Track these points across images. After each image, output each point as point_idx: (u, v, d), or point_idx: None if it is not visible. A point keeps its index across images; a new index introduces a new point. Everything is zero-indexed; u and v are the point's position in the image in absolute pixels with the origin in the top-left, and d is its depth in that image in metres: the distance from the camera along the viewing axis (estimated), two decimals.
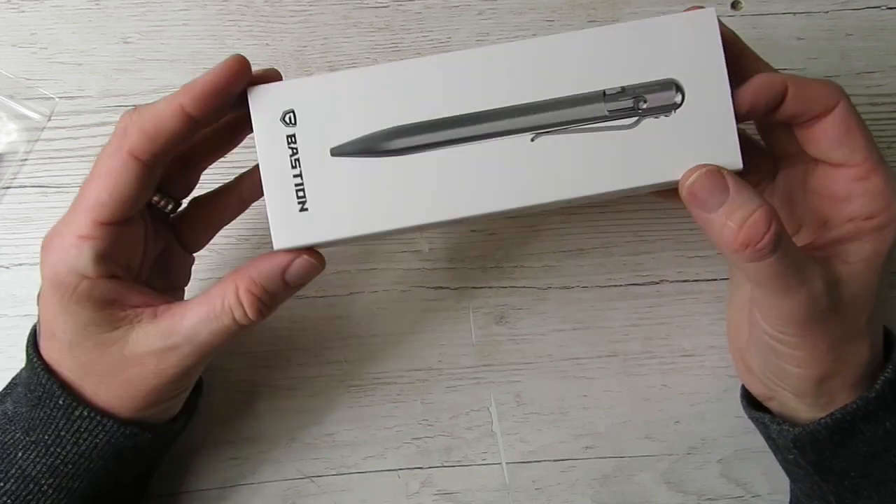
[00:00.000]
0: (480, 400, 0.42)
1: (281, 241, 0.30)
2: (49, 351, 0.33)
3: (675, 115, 0.30)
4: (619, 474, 0.41)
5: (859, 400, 0.33)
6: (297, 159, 0.30)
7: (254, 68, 0.43)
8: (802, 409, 0.35)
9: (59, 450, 0.32)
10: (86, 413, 0.32)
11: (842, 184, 0.32)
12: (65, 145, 0.43)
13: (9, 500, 0.32)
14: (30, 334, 0.35)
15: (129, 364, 0.32)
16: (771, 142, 0.36)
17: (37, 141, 0.43)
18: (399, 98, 0.30)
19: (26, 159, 0.43)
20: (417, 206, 0.30)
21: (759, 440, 0.41)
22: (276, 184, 0.30)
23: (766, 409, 0.37)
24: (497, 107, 0.30)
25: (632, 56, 0.30)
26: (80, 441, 0.32)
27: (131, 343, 0.32)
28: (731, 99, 0.30)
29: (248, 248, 0.42)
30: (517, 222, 0.43)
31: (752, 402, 0.38)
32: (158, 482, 0.41)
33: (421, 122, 0.30)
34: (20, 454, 0.32)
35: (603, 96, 0.30)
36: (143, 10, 0.44)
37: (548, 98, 0.30)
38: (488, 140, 0.30)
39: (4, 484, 0.32)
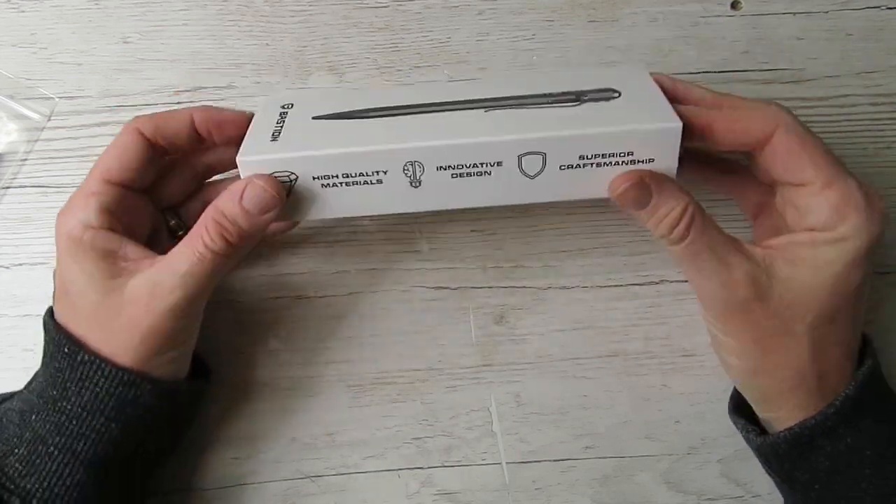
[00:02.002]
0: (480, 400, 0.42)
1: (245, 155, 0.33)
2: (61, 309, 0.35)
3: (614, 101, 0.34)
4: (619, 474, 0.41)
5: (818, 415, 0.34)
6: (283, 121, 0.36)
7: (254, 68, 0.43)
8: (764, 415, 0.36)
9: (64, 404, 0.34)
10: (87, 358, 0.33)
11: (803, 198, 0.34)
12: (65, 145, 0.43)
13: (20, 466, 0.33)
14: (48, 308, 0.37)
15: (125, 305, 0.34)
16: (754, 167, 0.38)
17: (37, 141, 0.43)
18: (381, 98, 0.36)
19: (26, 159, 0.43)
20: (376, 139, 0.33)
21: None
22: (258, 128, 0.35)
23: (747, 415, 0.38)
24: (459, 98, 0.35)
25: (576, 81, 0.36)
26: (83, 391, 0.34)
27: (128, 288, 0.34)
28: (663, 94, 0.34)
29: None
30: (517, 222, 0.43)
31: (737, 406, 0.39)
32: (159, 481, 0.41)
33: (394, 105, 0.35)
34: (34, 416, 0.34)
35: (549, 96, 0.35)
36: (143, 10, 0.44)
37: (500, 95, 0.35)
38: (447, 112, 0.35)
39: (19, 449, 0.34)
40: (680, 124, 0.32)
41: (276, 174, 0.34)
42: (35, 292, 0.42)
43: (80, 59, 0.44)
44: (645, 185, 0.33)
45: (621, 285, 0.43)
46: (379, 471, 0.41)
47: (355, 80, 0.44)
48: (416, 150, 0.33)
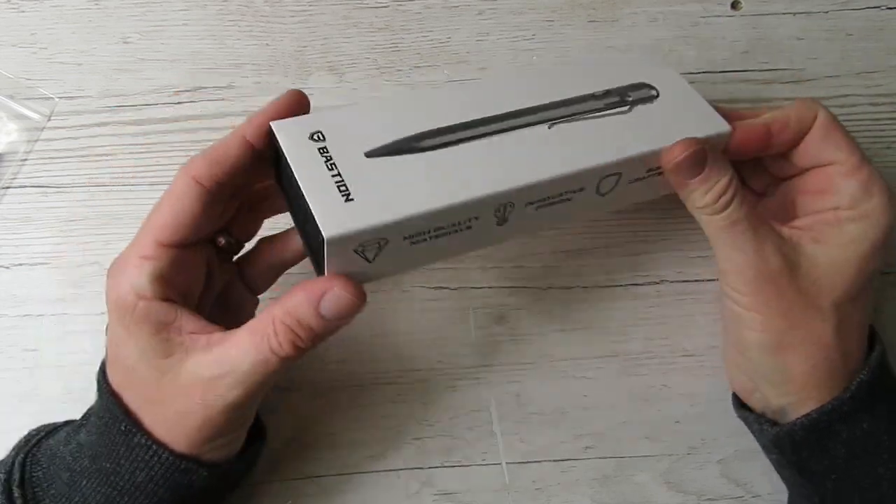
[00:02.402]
0: (480, 400, 0.42)
1: (330, 229, 0.29)
2: (113, 376, 0.33)
3: (658, 102, 0.35)
4: (619, 474, 0.41)
5: (834, 401, 0.34)
6: (333, 163, 0.30)
7: (254, 68, 0.43)
8: (777, 401, 0.36)
9: (117, 479, 0.32)
10: (143, 441, 0.32)
11: (830, 179, 0.35)
12: (65, 145, 0.43)
13: None
14: (102, 362, 0.34)
15: (180, 394, 0.31)
16: (752, 178, 0.40)
17: (37, 141, 0.43)
18: (415, 115, 0.32)
19: (26, 159, 0.43)
20: (455, 187, 0.31)
21: None
22: (316, 185, 0.30)
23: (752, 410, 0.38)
24: (511, 110, 0.33)
25: (606, 76, 0.36)
26: (137, 471, 0.32)
27: (184, 372, 0.31)
28: (695, 91, 0.36)
29: None
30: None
31: (741, 401, 0.39)
32: None
33: (445, 126, 0.32)
34: (84, 482, 0.32)
35: (594, 96, 0.35)
36: (143, 10, 0.44)
37: (552, 100, 0.34)
38: (509, 133, 0.33)
39: None
40: (729, 128, 0.35)
41: (365, 245, 0.30)
42: (35, 292, 0.42)
43: (80, 59, 0.44)
44: (702, 154, 0.34)
45: (621, 285, 0.43)
46: (379, 471, 0.41)
47: (355, 80, 0.44)
48: (511, 193, 0.31)
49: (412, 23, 0.44)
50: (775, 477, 0.41)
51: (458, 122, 0.32)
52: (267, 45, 0.44)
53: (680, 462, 0.41)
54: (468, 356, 0.42)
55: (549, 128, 0.33)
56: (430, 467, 0.41)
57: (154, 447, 0.32)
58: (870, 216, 0.34)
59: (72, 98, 0.44)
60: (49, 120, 0.44)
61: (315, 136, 0.31)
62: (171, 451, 0.32)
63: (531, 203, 0.33)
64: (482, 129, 0.32)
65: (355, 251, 0.30)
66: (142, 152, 0.43)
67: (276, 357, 0.30)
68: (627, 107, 0.35)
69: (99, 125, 0.44)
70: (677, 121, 0.34)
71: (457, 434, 0.42)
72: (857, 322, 0.35)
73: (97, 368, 0.34)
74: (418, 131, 0.32)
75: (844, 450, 0.34)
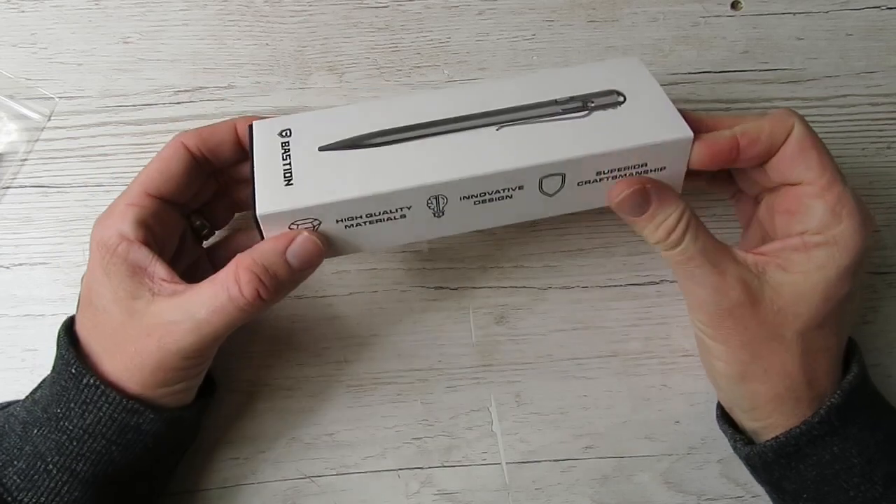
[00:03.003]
0: (480, 400, 0.42)
1: (265, 207, 0.32)
2: (83, 320, 0.35)
3: (622, 108, 0.34)
4: (619, 474, 0.41)
5: (803, 425, 0.34)
6: (288, 153, 0.34)
7: (254, 68, 0.43)
8: (749, 425, 0.36)
9: (66, 423, 0.33)
10: (92, 381, 0.33)
11: (798, 200, 0.34)
12: (65, 145, 0.43)
13: (18, 479, 0.33)
14: (65, 321, 0.36)
15: (140, 335, 0.33)
16: (742, 180, 0.38)
17: (37, 141, 0.43)
18: (380, 117, 0.34)
19: (26, 159, 0.43)
20: (392, 177, 0.33)
21: None
22: (265, 169, 0.33)
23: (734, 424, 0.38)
24: (466, 113, 0.34)
25: (577, 82, 0.35)
26: (86, 413, 0.33)
27: (148, 315, 0.33)
28: (667, 97, 0.34)
29: None
30: (517, 223, 0.43)
31: (725, 414, 0.39)
32: None
33: (399, 126, 0.34)
34: (35, 430, 0.34)
35: (556, 102, 0.34)
36: (143, 10, 0.44)
37: (508, 105, 0.34)
38: (458, 133, 0.34)
39: (18, 462, 0.33)
40: (691, 134, 0.33)
41: (299, 222, 0.33)
42: (35, 292, 0.42)
43: (80, 59, 0.44)
44: (645, 192, 0.33)
45: (621, 285, 0.43)
46: (379, 471, 0.41)
47: (355, 80, 0.44)
48: (440, 186, 0.33)
49: (412, 23, 0.44)
50: None
51: (414, 123, 0.34)
52: (267, 45, 0.44)
53: (680, 462, 0.41)
54: (468, 356, 0.42)
55: (497, 129, 0.33)
56: (430, 467, 0.41)
57: (102, 387, 0.33)
58: (838, 242, 0.33)
59: (72, 98, 0.44)
60: (49, 120, 0.44)
61: (283, 133, 0.35)
62: (121, 391, 0.33)
63: (466, 197, 0.33)
64: (432, 130, 0.34)
65: (290, 228, 0.33)
66: (142, 152, 0.43)
67: (232, 305, 0.32)
68: (586, 112, 0.34)
69: (99, 125, 0.44)
70: (634, 125, 0.33)
71: (457, 434, 0.42)
72: (824, 347, 0.34)
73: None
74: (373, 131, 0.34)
75: (815, 472, 0.34)
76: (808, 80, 0.44)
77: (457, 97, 0.35)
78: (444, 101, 0.35)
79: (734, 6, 0.45)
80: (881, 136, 0.44)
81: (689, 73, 0.44)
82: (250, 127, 0.35)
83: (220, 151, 0.36)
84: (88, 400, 0.33)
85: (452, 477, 0.41)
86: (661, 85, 0.44)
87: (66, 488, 0.33)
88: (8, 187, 0.43)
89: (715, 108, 0.44)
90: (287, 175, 0.33)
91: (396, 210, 0.33)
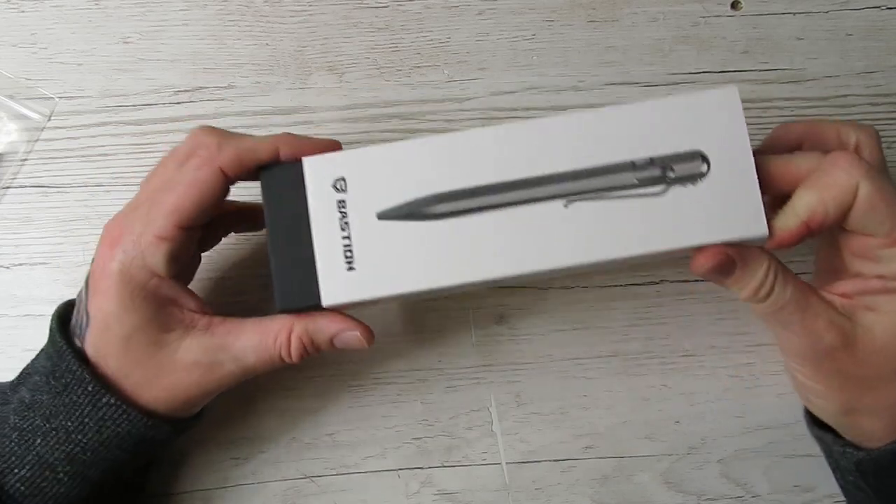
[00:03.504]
0: (480, 400, 0.42)
1: (329, 298, 0.32)
2: (97, 341, 0.33)
3: (702, 183, 0.31)
4: (619, 474, 0.41)
5: None
6: (346, 222, 0.32)
7: (254, 68, 0.43)
8: (856, 440, 0.35)
9: (79, 437, 0.33)
10: (113, 401, 0.33)
11: (872, 249, 0.33)
12: (65, 145, 0.43)
13: (23, 487, 0.33)
14: (56, 322, 0.35)
15: (176, 369, 0.33)
16: None
17: (37, 141, 0.43)
18: (442, 167, 0.32)
19: (26, 159, 0.43)
20: (456, 268, 0.32)
21: (758, 440, 0.41)
22: (326, 245, 0.32)
23: (829, 428, 0.37)
24: (532, 175, 0.32)
25: (660, 130, 0.31)
26: (103, 429, 0.33)
27: (182, 349, 0.33)
28: (755, 169, 0.31)
29: (249, 248, 0.42)
30: None
31: (815, 419, 0.38)
32: (158, 482, 0.41)
33: (461, 189, 0.32)
34: (39, 440, 0.33)
35: (633, 166, 0.31)
36: (143, 10, 0.44)
37: (580, 167, 0.31)
38: (524, 206, 0.31)
39: (20, 470, 0.33)
40: (766, 232, 0.31)
41: (354, 306, 0.34)
42: (35, 292, 0.42)
43: (80, 59, 0.44)
44: (728, 260, 0.32)
45: (621, 285, 0.43)
46: (379, 471, 0.41)
47: (355, 80, 0.44)
48: (505, 279, 0.32)
49: (412, 23, 0.44)
50: (775, 477, 0.41)
51: (472, 184, 0.32)
52: (267, 45, 0.44)
53: (680, 462, 0.41)
54: (468, 356, 0.42)
55: (566, 206, 0.31)
56: (430, 467, 0.41)
57: (123, 406, 0.33)
58: None
59: (72, 98, 0.44)
60: (49, 120, 0.44)
61: (338, 185, 0.32)
62: (141, 410, 0.33)
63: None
64: (495, 199, 0.32)
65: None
66: (141, 152, 0.43)
67: (278, 360, 0.34)
68: (664, 186, 0.31)
69: (99, 125, 0.44)
70: (712, 211, 0.31)
71: (457, 434, 0.42)
72: None
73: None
74: (434, 189, 0.32)
75: None
76: (808, 80, 0.44)
77: (520, 139, 0.32)
78: (506, 145, 0.32)
79: (734, 6, 0.45)
80: (881, 137, 0.44)
81: (690, 73, 0.44)
82: (300, 162, 0.33)
83: (253, 175, 0.34)
84: (107, 417, 0.33)
85: (452, 477, 0.41)
86: (663, 86, 0.44)
87: (75, 492, 0.34)
88: (8, 187, 0.43)
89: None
90: (348, 255, 0.32)
91: (458, 289, 0.33)
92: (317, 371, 0.42)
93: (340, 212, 0.32)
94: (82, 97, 0.44)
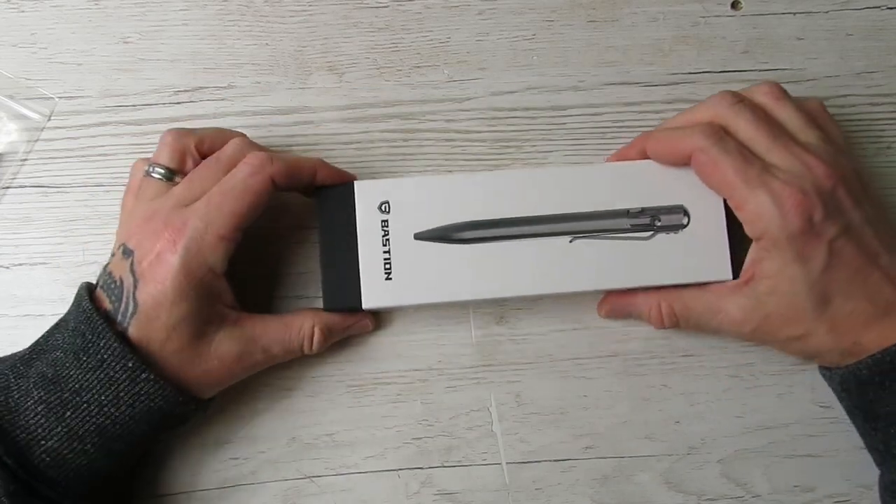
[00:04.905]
0: (480, 400, 0.42)
1: (368, 302, 0.38)
2: (143, 326, 0.35)
3: (682, 233, 0.38)
4: (619, 474, 0.41)
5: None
6: (388, 239, 0.38)
7: (254, 68, 0.43)
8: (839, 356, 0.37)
9: (112, 409, 0.34)
10: (152, 377, 0.34)
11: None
12: (65, 145, 0.43)
13: (48, 458, 0.34)
14: (89, 301, 0.35)
15: (211, 358, 0.36)
16: None
17: (37, 141, 0.43)
18: (471, 200, 0.39)
19: (26, 159, 0.43)
20: (477, 286, 0.38)
21: (759, 440, 0.41)
22: (369, 257, 0.38)
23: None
24: (545, 213, 0.38)
25: (650, 185, 0.39)
26: (136, 403, 0.35)
27: (217, 341, 0.36)
28: (725, 225, 0.38)
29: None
30: None
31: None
32: (158, 482, 0.41)
33: (486, 220, 0.38)
34: (69, 413, 0.34)
35: (627, 213, 0.38)
36: (143, 10, 0.44)
37: (584, 210, 0.38)
38: (536, 238, 0.38)
39: (47, 442, 0.34)
40: (731, 277, 0.38)
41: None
42: (35, 292, 0.42)
43: (80, 59, 0.44)
44: (619, 306, 0.41)
45: None
46: (379, 471, 0.41)
47: (355, 80, 0.44)
48: (516, 298, 0.42)
49: (412, 23, 0.44)
50: (775, 477, 0.41)
51: (496, 216, 0.38)
52: (267, 45, 0.44)
53: (680, 462, 0.41)
54: (468, 356, 0.42)
55: (570, 242, 0.38)
56: (430, 467, 0.41)
57: (161, 382, 0.35)
58: (772, 249, 0.35)
59: (72, 98, 0.44)
60: (49, 120, 0.44)
61: (383, 207, 0.38)
62: (176, 387, 0.35)
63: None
64: (514, 230, 0.38)
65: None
66: (141, 152, 0.43)
67: (300, 351, 0.39)
68: (651, 232, 0.38)
69: (99, 125, 0.44)
70: (689, 258, 0.38)
71: (457, 434, 0.42)
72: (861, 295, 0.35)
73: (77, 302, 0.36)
74: (461, 220, 0.38)
75: None
76: (808, 80, 0.44)
77: (538, 184, 0.39)
78: (526, 186, 0.39)
79: (734, 6, 0.45)
80: (881, 136, 0.44)
81: (689, 73, 0.44)
82: (352, 184, 0.39)
83: (292, 185, 0.38)
84: (142, 392, 0.34)
85: (452, 477, 0.41)
86: (663, 86, 0.44)
87: (98, 464, 0.35)
88: (8, 187, 0.43)
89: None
90: (387, 267, 0.38)
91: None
92: (317, 371, 0.42)
93: (383, 230, 0.38)
94: (82, 97, 0.44)
